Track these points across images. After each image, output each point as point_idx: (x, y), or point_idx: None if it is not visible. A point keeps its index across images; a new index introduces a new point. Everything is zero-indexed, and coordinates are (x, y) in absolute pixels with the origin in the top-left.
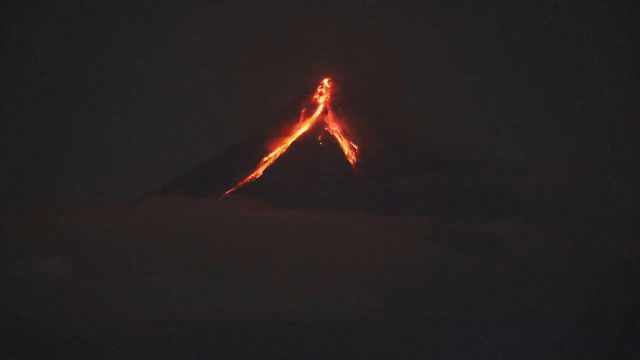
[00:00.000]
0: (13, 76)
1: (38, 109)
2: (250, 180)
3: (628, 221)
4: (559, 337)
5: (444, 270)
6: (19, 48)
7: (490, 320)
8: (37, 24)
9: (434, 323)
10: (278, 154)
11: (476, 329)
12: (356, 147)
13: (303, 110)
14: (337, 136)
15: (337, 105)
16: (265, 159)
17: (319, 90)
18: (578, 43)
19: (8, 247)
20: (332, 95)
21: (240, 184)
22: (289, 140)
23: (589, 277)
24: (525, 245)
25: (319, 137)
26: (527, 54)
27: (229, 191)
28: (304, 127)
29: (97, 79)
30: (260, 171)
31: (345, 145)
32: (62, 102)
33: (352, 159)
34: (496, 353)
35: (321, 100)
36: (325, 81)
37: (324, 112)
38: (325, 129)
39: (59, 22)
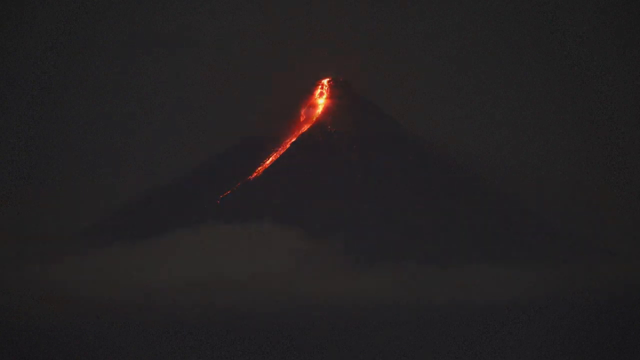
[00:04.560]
0: (13, 76)
1: (38, 109)
2: (250, 181)
3: (628, 221)
4: (558, 337)
5: (443, 271)
6: (19, 48)
7: (491, 320)
8: (37, 23)
9: (434, 322)
10: (278, 154)
11: (476, 329)
12: (356, 147)
13: (303, 111)
14: (337, 136)
15: (337, 105)
16: (265, 159)
17: (319, 90)
18: (578, 43)
19: (8, 247)
20: (332, 95)
21: (239, 184)
22: (289, 141)
23: (588, 277)
24: (524, 245)
25: (319, 137)
26: (527, 54)
27: (229, 192)
28: (304, 128)
29: (97, 79)
30: (259, 171)
31: (345, 146)
32: (62, 102)
33: (352, 159)
34: (496, 353)
35: (321, 100)
36: (325, 81)
37: (324, 112)
38: (325, 129)
39: (59, 22)
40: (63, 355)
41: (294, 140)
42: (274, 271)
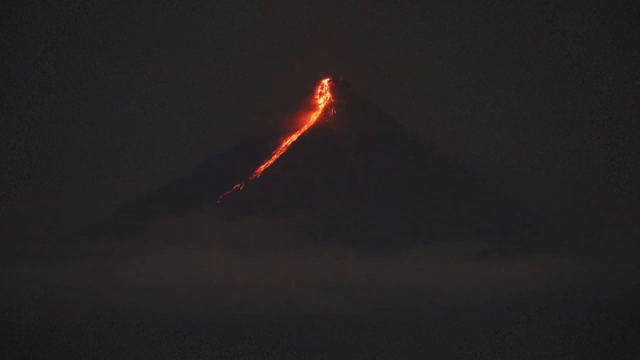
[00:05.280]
0: (13, 76)
1: (38, 109)
2: (250, 180)
3: (628, 221)
4: (559, 337)
5: (443, 271)
6: (19, 48)
7: (490, 320)
8: (37, 23)
9: (434, 322)
10: (278, 155)
11: (476, 329)
12: (356, 147)
13: (303, 111)
14: (337, 136)
15: (337, 105)
16: (265, 159)
17: (319, 90)
18: (578, 43)
19: (8, 247)
20: (332, 95)
21: (239, 184)
22: (289, 141)
23: (588, 277)
24: (524, 245)
25: (320, 137)
26: (527, 54)
27: (229, 192)
28: (304, 128)
29: (97, 79)
30: (259, 172)
31: (345, 146)
32: (62, 102)
33: (352, 159)
34: (496, 352)
35: (321, 100)
36: (325, 81)
37: (324, 112)
38: (325, 129)
39: (59, 22)
40: (63, 355)
41: (294, 140)
42: (272, 272)
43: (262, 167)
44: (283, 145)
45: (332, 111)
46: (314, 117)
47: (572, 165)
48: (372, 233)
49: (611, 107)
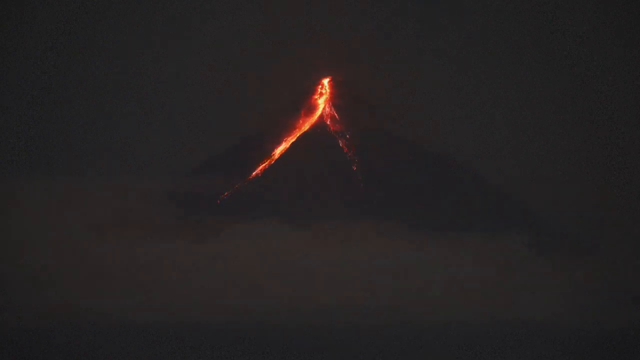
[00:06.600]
0: (13, 76)
1: (38, 109)
2: (250, 181)
3: (628, 221)
4: (559, 336)
5: (442, 271)
6: (19, 48)
7: (490, 320)
8: (37, 23)
9: (434, 323)
10: (278, 155)
11: (475, 329)
12: (356, 147)
13: (303, 111)
14: (337, 136)
15: (337, 105)
16: (265, 159)
17: (319, 90)
18: (578, 43)
19: (8, 247)
20: (332, 95)
21: (239, 184)
22: (289, 141)
23: (588, 277)
24: (524, 245)
25: (319, 137)
26: (527, 54)
27: (228, 192)
28: (304, 128)
29: (97, 79)
30: (259, 172)
31: (345, 146)
32: (62, 102)
33: (352, 159)
34: (496, 352)
35: (321, 100)
36: (325, 81)
37: (324, 112)
38: (325, 129)
39: (59, 22)
40: (63, 355)
41: (294, 140)
42: (272, 272)
43: (262, 167)
44: (283, 145)
45: (332, 111)
46: (314, 117)
47: (572, 165)
48: (372, 233)
49: (611, 107)
